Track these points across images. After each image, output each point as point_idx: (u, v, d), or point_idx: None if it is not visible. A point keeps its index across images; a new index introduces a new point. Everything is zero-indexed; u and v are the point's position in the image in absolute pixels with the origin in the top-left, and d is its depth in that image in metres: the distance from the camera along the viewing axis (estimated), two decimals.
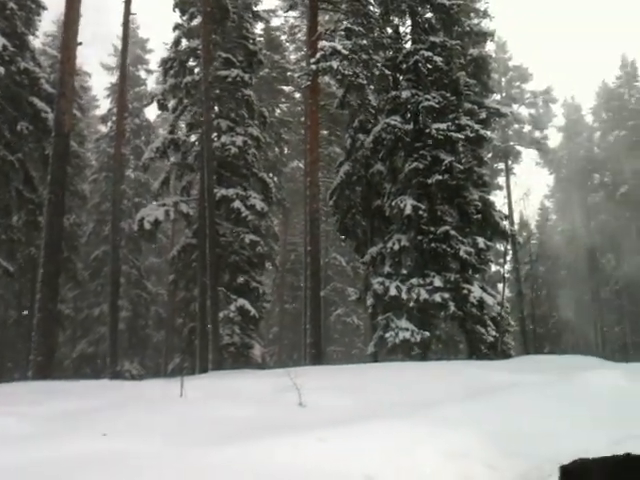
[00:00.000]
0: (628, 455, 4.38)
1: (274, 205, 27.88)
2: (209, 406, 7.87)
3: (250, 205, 23.39)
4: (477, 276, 22.15)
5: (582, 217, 45.20)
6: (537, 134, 44.47)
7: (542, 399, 8.71)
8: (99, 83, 76.49)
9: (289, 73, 35.52)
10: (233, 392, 9.24)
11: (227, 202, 23.21)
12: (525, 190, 55.04)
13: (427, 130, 20.45)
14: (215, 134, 23.63)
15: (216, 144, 23.26)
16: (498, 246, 29.13)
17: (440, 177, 20.12)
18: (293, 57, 38.10)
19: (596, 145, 48.89)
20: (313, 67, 21.11)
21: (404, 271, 20.83)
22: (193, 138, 25.06)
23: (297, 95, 36.60)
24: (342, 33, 21.61)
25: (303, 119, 32.33)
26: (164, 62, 24.88)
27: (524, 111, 44.64)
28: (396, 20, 23.08)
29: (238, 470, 5.10)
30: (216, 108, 24.64)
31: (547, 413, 8.20)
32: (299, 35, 36.67)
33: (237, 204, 23.06)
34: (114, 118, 30.19)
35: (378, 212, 22.56)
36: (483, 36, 23.81)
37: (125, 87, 26.19)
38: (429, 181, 20.23)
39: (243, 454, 5.37)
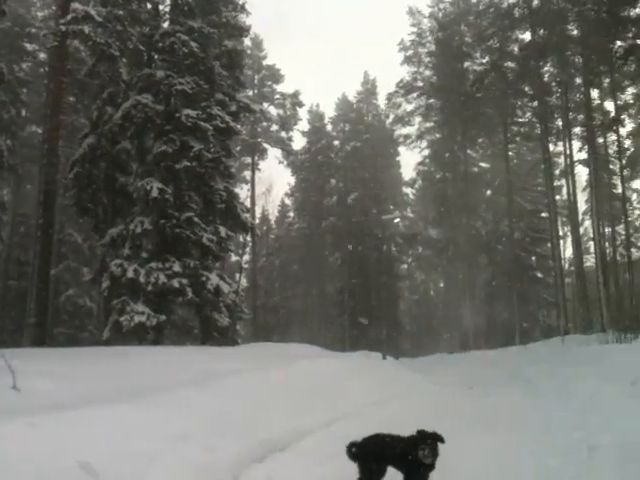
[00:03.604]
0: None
1: (5, 171, 25.17)
2: None
3: None
4: (217, 264, 22.68)
5: (316, 217, 48.71)
6: (283, 134, 47.02)
7: (259, 385, 9.32)
8: None
9: (34, 30, 32.40)
10: None
11: None
12: (268, 186, 57.56)
13: (178, 114, 20.33)
14: None
15: None
16: (239, 237, 30.17)
17: (188, 163, 20.15)
18: (40, 14, 34.79)
19: (334, 153, 52.87)
20: (62, 28, 19.64)
21: (145, 254, 20.46)
22: None
23: (42, 55, 33.57)
24: None
25: (46, 82, 29.76)
26: None
27: (273, 111, 46.95)
28: None
29: None
30: None
31: (262, 398, 8.81)
32: None
33: None
34: None
35: (122, 191, 21.75)
36: (239, 30, 24.23)
37: None
38: (177, 166, 20.13)
39: None
